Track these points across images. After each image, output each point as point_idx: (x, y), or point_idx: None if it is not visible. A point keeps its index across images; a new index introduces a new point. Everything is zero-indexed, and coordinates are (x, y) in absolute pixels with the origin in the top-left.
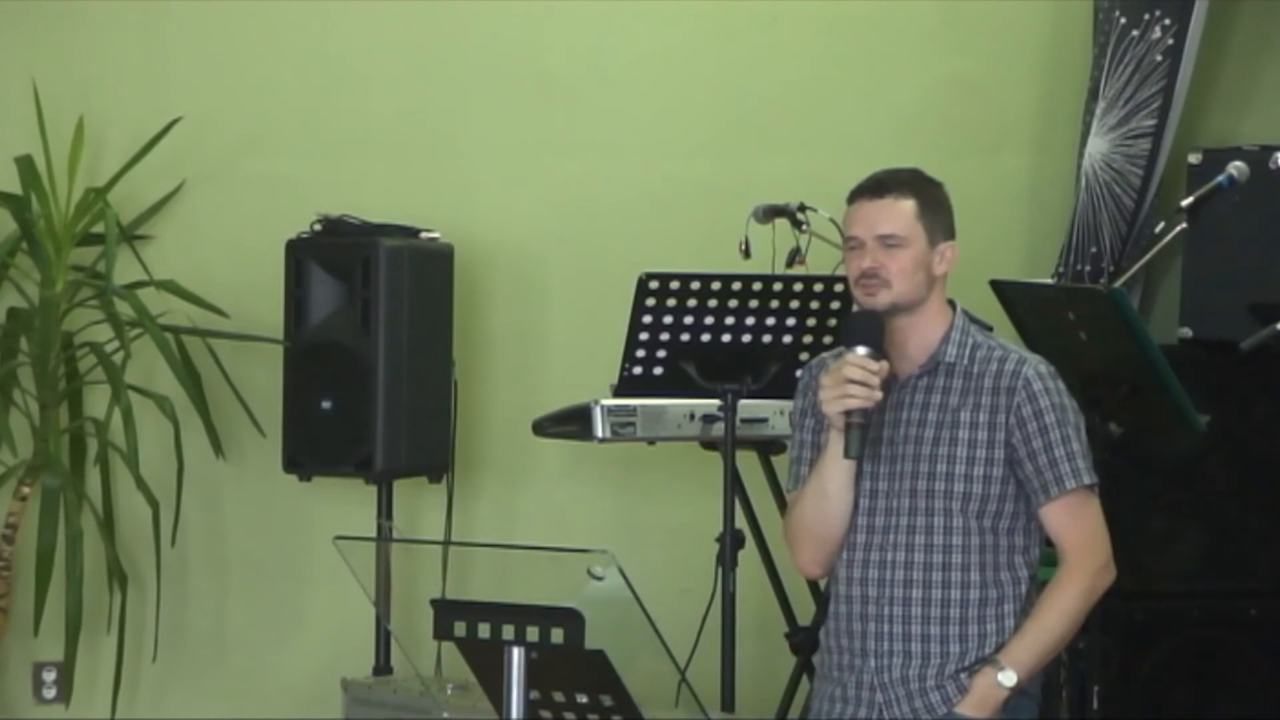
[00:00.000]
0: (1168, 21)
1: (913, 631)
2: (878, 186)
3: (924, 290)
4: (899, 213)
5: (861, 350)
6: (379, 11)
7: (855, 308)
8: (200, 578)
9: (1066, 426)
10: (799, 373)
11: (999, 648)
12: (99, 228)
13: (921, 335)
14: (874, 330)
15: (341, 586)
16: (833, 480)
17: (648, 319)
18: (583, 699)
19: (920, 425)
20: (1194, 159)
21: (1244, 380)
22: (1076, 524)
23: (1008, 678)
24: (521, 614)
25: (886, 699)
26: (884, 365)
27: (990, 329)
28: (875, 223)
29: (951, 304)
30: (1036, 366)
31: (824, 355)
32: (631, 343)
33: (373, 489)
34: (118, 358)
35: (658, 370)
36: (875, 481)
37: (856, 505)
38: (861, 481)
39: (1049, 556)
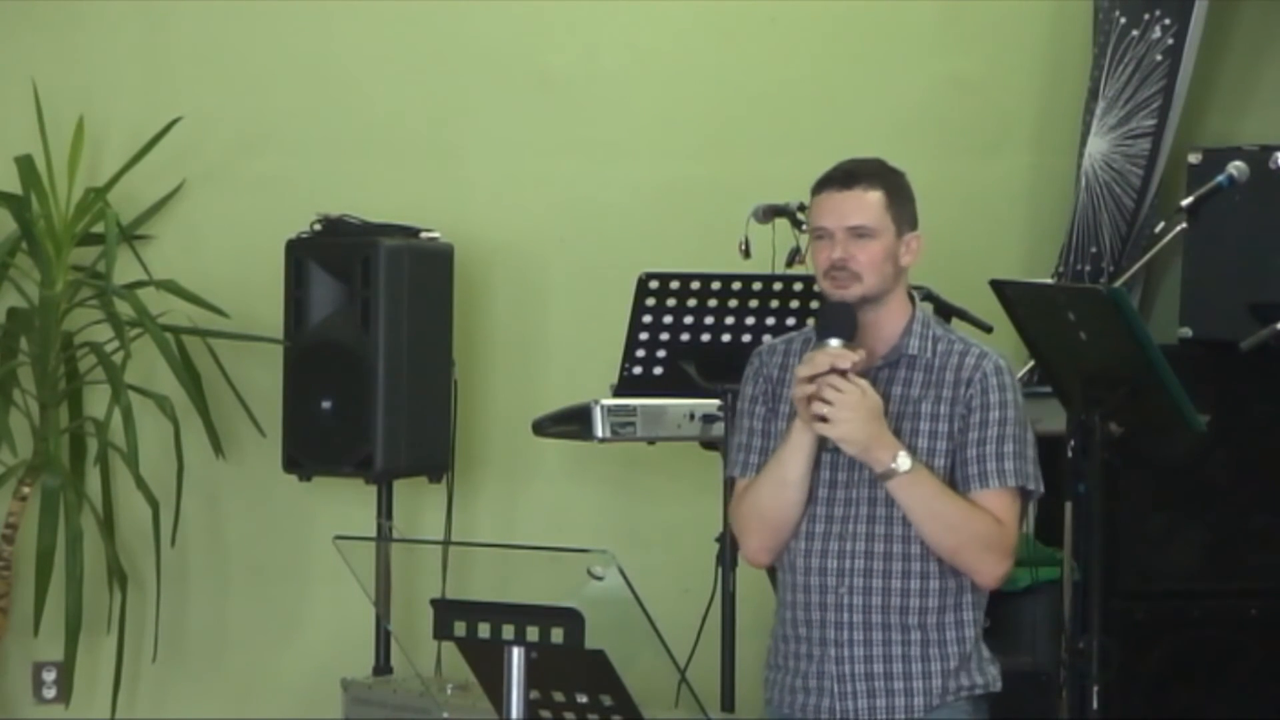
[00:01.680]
0: (1168, 21)
1: (873, 620)
2: (846, 177)
3: (891, 282)
4: (868, 204)
5: (835, 342)
6: (379, 12)
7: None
8: (200, 578)
9: (1006, 425)
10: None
11: (962, 659)
12: (99, 228)
13: (884, 327)
14: (850, 322)
15: (341, 586)
16: (793, 469)
17: (648, 319)
18: (583, 699)
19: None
20: (1194, 159)
21: (1244, 380)
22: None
23: (904, 461)
24: (521, 614)
25: (842, 690)
26: (861, 354)
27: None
28: (845, 214)
29: (911, 297)
30: (996, 361)
31: (774, 341)
32: (631, 343)
33: (373, 489)
34: (118, 358)
35: (658, 370)
36: (835, 471)
37: (815, 494)
38: (820, 470)
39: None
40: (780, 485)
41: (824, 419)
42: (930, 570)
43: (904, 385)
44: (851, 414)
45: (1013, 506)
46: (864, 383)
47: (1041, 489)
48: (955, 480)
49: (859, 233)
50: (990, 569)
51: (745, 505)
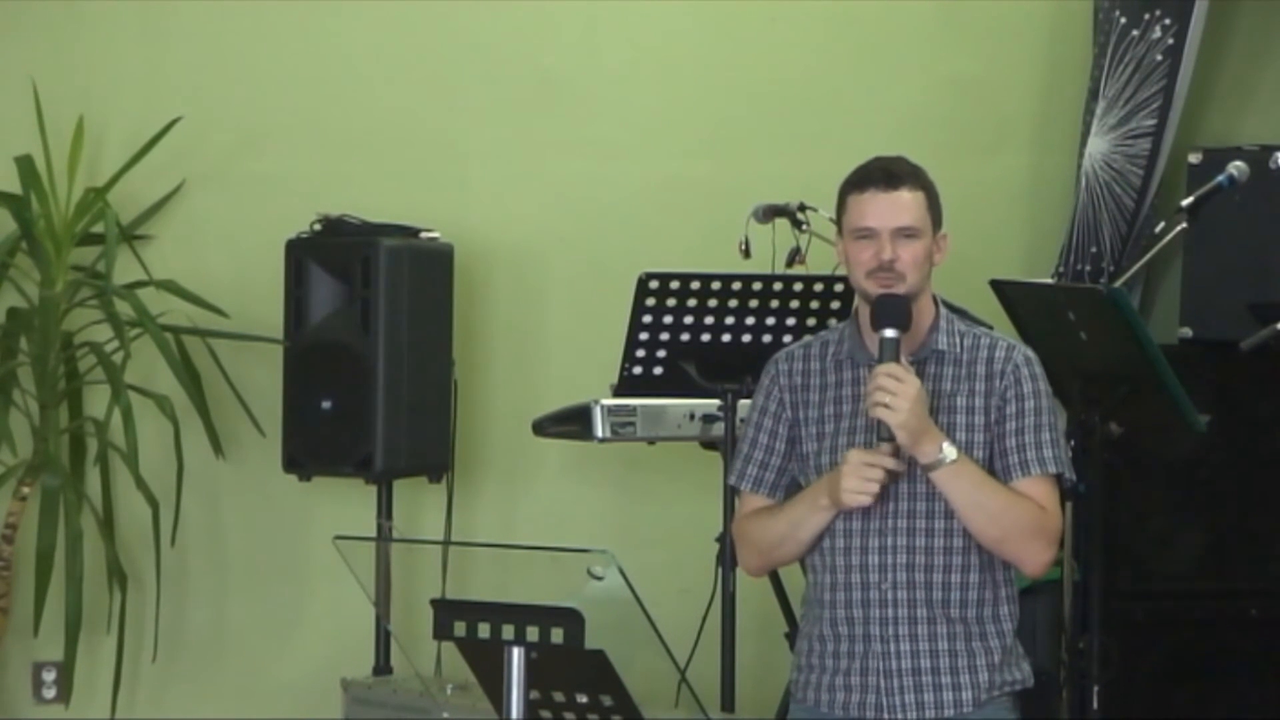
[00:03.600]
0: (1168, 21)
1: (918, 615)
2: (890, 177)
3: (927, 280)
4: (913, 204)
5: (891, 332)
6: (379, 11)
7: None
8: (200, 578)
9: (1041, 414)
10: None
11: (1004, 652)
12: (99, 228)
13: (916, 323)
14: (905, 313)
15: (341, 586)
16: (809, 531)
17: (648, 319)
18: (583, 699)
19: None
20: (1194, 159)
21: (1244, 380)
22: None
23: (950, 452)
24: (521, 614)
25: (888, 686)
26: (900, 460)
27: (990, 328)
28: (892, 215)
29: (933, 296)
30: (1025, 352)
31: (792, 347)
32: (631, 343)
33: (373, 489)
34: (117, 358)
35: (658, 370)
36: None
37: None
38: None
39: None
40: (792, 540)
41: (885, 405)
42: (972, 563)
43: (935, 380)
44: (911, 404)
45: (1054, 493)
46: (913, 374)
47: (1075, 477)
48: (995, 471)
49: (906, 233)
50: (1036, 556)
51: (752, 531)
